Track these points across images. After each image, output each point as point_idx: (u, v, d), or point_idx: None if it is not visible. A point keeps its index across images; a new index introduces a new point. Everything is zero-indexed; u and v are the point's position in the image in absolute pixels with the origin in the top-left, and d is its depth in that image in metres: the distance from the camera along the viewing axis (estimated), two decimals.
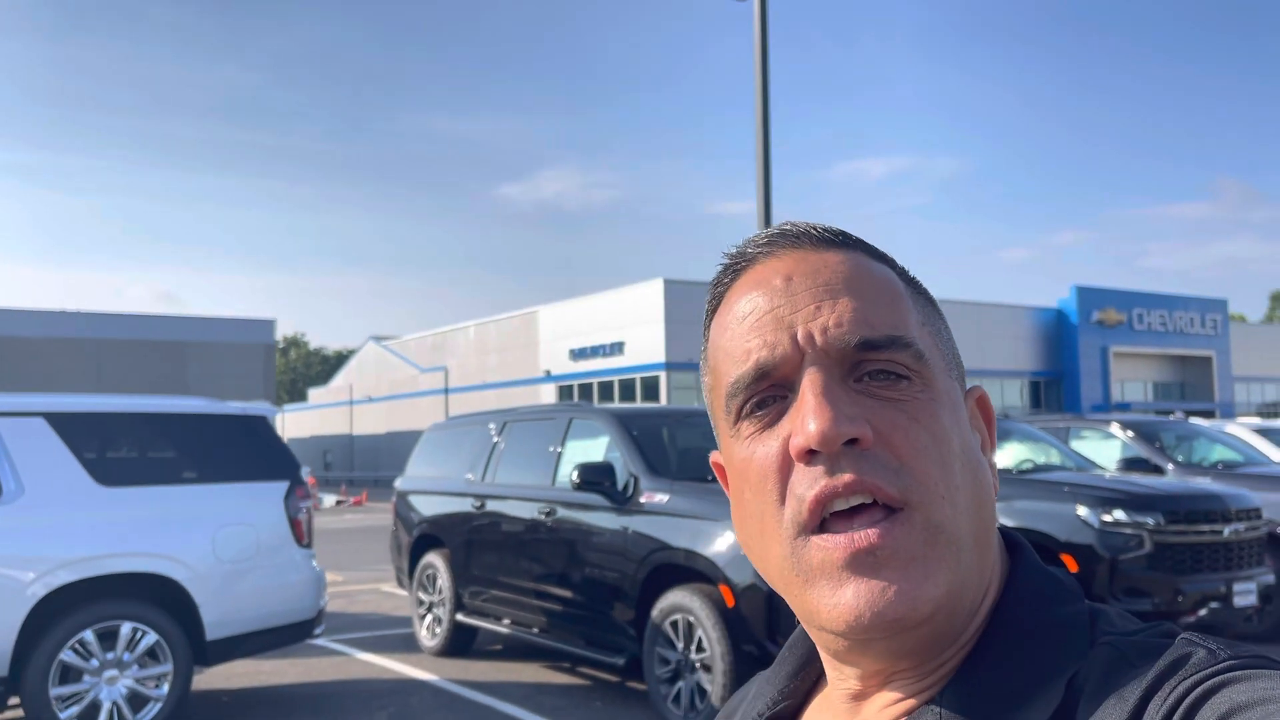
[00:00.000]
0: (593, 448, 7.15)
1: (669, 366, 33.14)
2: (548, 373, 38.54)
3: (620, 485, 6.45)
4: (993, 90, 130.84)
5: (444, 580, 8.25)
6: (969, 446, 0.68)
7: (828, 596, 0.63)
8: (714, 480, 6.32)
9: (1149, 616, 6.50)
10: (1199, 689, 0.56)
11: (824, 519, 0.64)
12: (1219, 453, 10.04)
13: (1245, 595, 6.84)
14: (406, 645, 8.78)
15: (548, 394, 38.13)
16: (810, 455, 0.64)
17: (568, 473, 7.12)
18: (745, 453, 0.68)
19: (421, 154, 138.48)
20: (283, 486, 6.41)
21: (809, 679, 0.78)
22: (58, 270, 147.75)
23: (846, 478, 0.63)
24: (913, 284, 0.73)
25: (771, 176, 12.41)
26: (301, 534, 6.41)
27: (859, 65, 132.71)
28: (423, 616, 8.57)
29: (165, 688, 5.87)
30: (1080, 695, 0.61)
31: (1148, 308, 45.09)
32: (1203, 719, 0.54)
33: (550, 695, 7.00)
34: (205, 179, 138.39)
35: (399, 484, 9.42)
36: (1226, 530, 6.91)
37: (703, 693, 5.72)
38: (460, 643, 8.29)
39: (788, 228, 0.72)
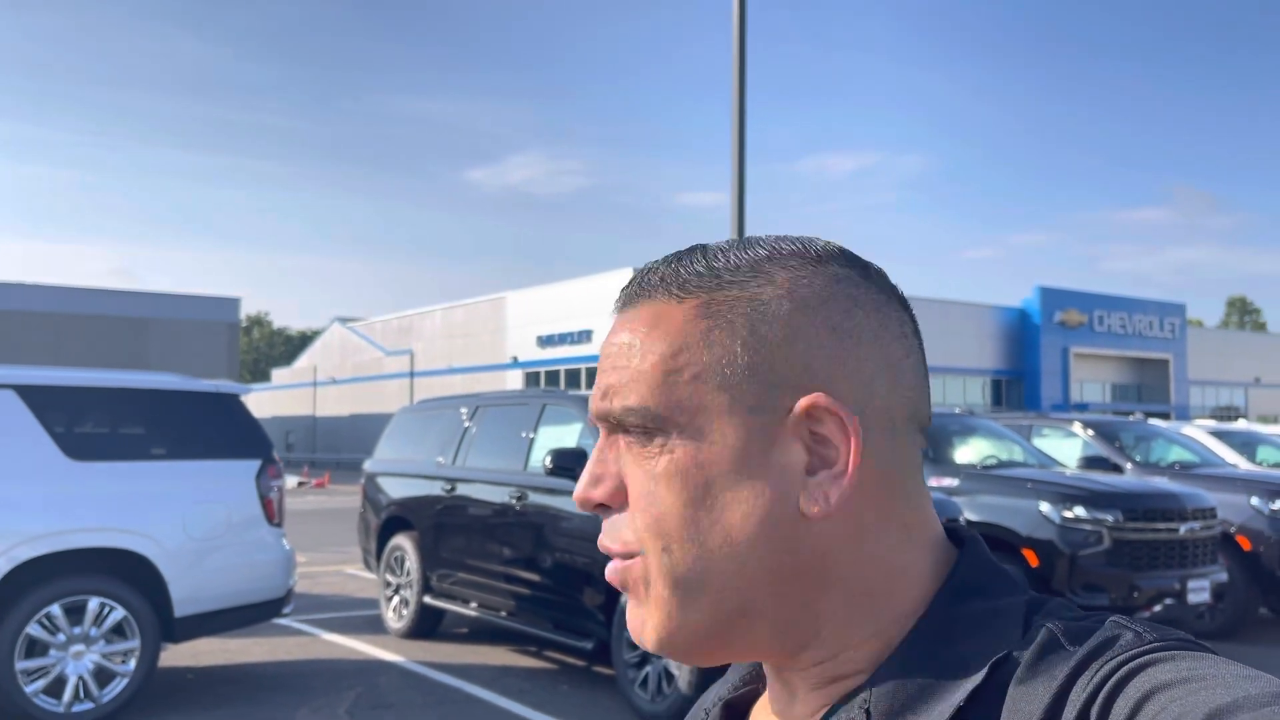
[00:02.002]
0: (566, 434, 7.20)
1: None
2: (515, 359, 38.47)
3: None
4: (959, 91, 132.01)
5: (412, 562, 8.27)
6: (718, 489, 0.69)
7: None
8: None
9: (1105, 611, 6.66)
10: (1124, 669, 0.58)
11: None
12: (1175, 453, 10.25)
13: (1199, 592, 7.02)
14: (372, 626, 8.79)
15: (514, 380, 38.06)
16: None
17: (540, 458, 7.16)
18: None
19: (387, 134, 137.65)
20: (255, 465, 6.40)
21: None
22: (7, 241, 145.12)
23: (604, 540, 0.73)
24: (724, 309, 0.71)
25: (746, 170, 12.47)
26: (273, 513, 6.41)
27: (829, 60, 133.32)
28: (390, 598, 8.58)
29: (132, 663, 5.85)
30: (1010, 675, 0.64)
31: (1108, 310, 45.75)
32: (1126, 697, 0.57)
33: (517, 678, 7.05)
34: (165, 153, 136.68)
35: (368, 466, 9.42)
36: (1182, 529, 7.08)
37: (669, 678, 5.79)
38: (426, 625, 8.32)
39: (631, 278, 0.76)
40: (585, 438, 6.86)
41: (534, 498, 7.00)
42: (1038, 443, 10.00)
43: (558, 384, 36.13)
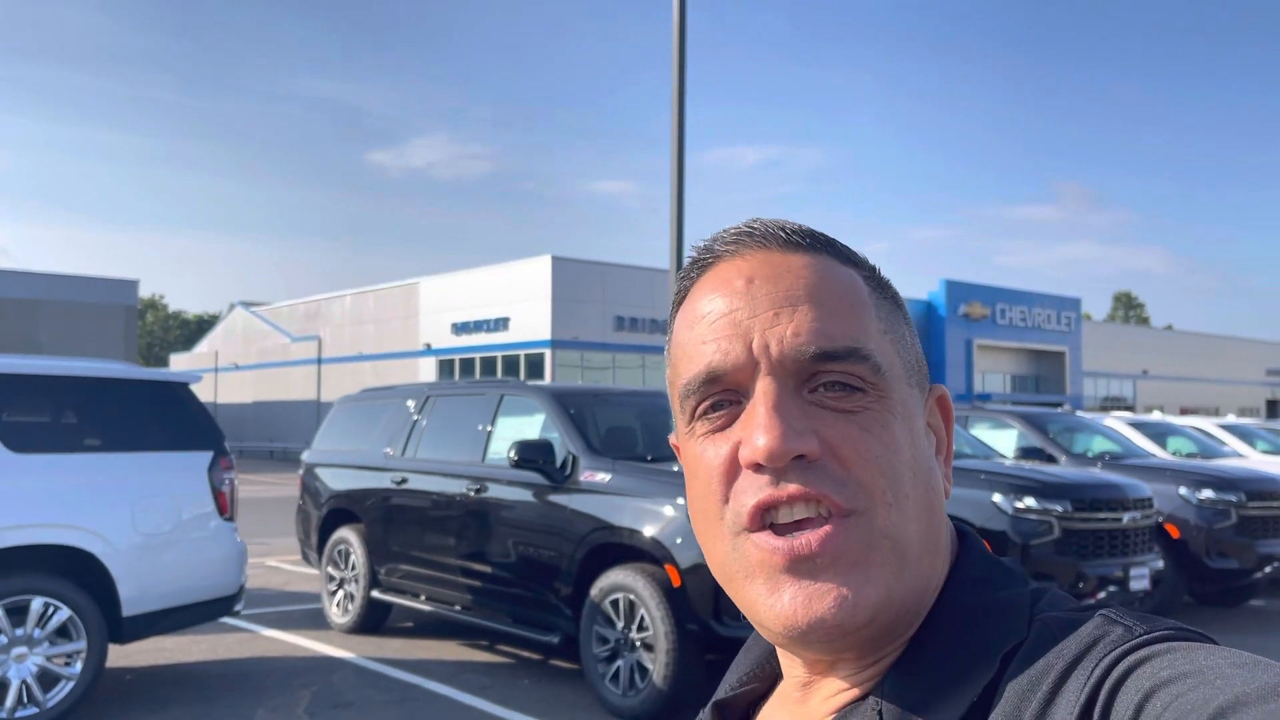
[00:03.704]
0: (526, 425, 7.08)
1: (554, 344, 33.00)
2: (428, 346, 37.86)
3: (559, 463, 6.41)
4: (859, 87, 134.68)
5: (358, 556, 8.05)
6: (921, 455, 0.69)
7: (765, 598, 0.65)
8: (654, 461, 6.35)
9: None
10: (1120, 664, 0.58)
11: (765, 526, 0.65)
12: (1100, 444, 10.61)
13: (1140, 579, 7.27)
14: (312, 621, 8.54)
15: (427, 367, 37.48)
16: (758, 466, 0.65)
17: (499, 449, 7.04)
18: (696, 451, 0.70)
19: (283, 113, 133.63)
20: (206, 457, 6.15)
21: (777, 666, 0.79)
22: None
23: (791, 488, 0.64)
24: (881, 287, 0.73)
25: (685, 164, 12.46)
26: (225, 506, 6.17)
27: (730, 55, 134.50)
28: (333, 593, 8.34)
29: (78, 666, 5.57)
30: (1008, 671, 0.63)
31: (1010, 303, 47.18)
32: (1127, 695, 0.56)
33: (474, 673, 6.92)
34: (44, 126, 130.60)
35: (306, 457, 9.14)
36: (1125, 518, 7.32)
37: (643, 671, 5.75)
38: (373, 620, 8.12)
39: (756, 227, 0.71)
40: (548, 429, 6.76)
41: (495, 490, 6.86)
42: (972, 433, 10.24)
43: (473, 372, 35.67)
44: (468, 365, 36.34)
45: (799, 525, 0.64)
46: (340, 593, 8.28)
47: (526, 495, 6.61)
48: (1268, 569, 8.78)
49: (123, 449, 5.90)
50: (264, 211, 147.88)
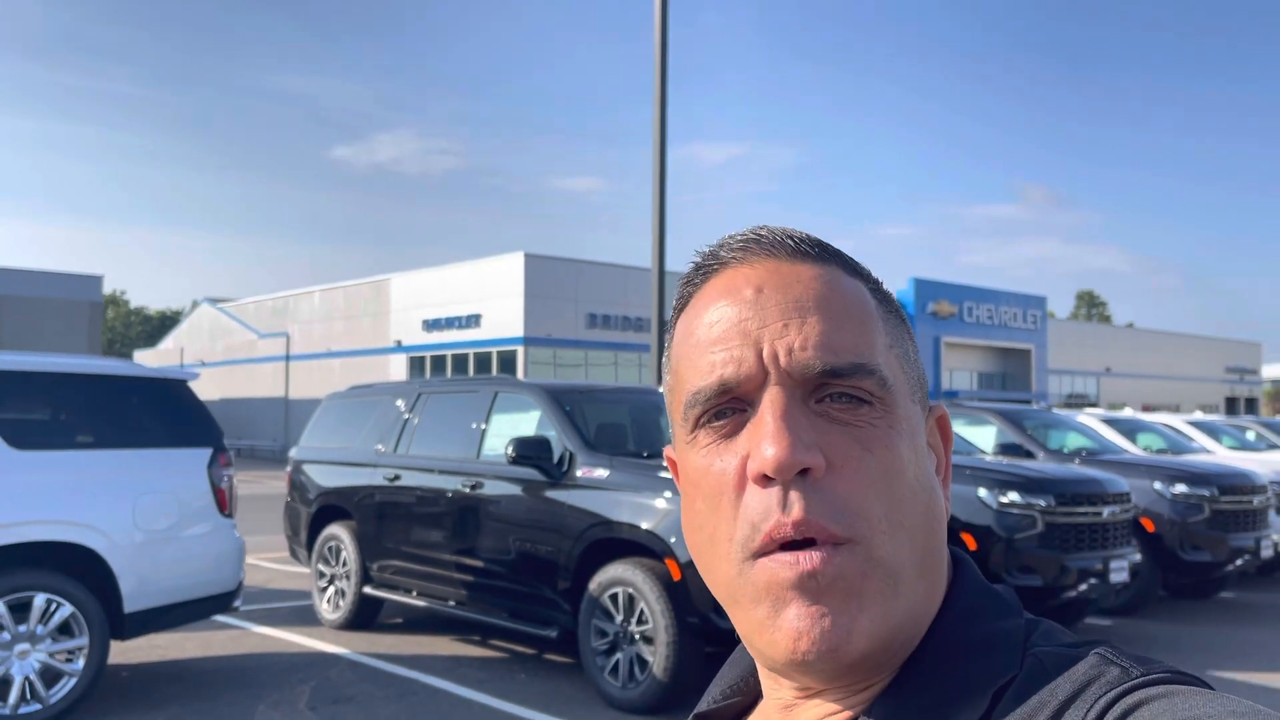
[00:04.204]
0: (521, 422, 7.15)
1: (527, 341, 32.99)
2: (399, 343, 37.71)
3: (556, 460, 6.49)
4: (827, 86, 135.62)
5: (349, 552, 8.08)
6: (923, 474, 0.68)
7: (769, 621, 0.65)
8: (649, 457, 6.44)
9: (1038, 591, 7.02)
10: (1115, 708, 0.57)
11: (773, 549, 0.65)
12: (1075, 440, 10.83)
13: (1119, 572, 7.46)
14: (301, 618, 8.56)
15: (398, 364, 37.33)
16: (765, 479, 0.64)
17: (493, 446, 7.11)
18: (701, 463, 0.68)
19: (247, 108, 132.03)
20: (205, 453, 6.17)
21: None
22: None
23: (796, 517, 0.63)
24: (885, 301, 0.73)
25: (667, 163, 12.56)
26: (224, 503, 6.19)
27: (699, 52, 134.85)
28: (324, 589, 8.37)
29: (80, 662, 5.58)
30: (998, 707, 0.62)
31: (977, 301, 47.73)
32: None
33: (470, 668, 6.99)
34: (2, 120, 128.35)
35: (294, 454, 9.15)
36: (1105, 512, 7.52)
37: (643, 664, 5.84)
38: (364, 616, 8.15)
39: (763, 234, 0.71)
40: (544, 426, 6.83)
41: (490, 486, 6.93)
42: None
43: (444, 370, 35.60)
44: (439, 363, 36.24)
45: (805, 544, 0.64)
46: (331, 589, 8.31)
47: (523, 492, 6.68)
48: (1239, 561, 9.03)
49: (123, 445, 5.92)
50: (227, 206, 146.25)
